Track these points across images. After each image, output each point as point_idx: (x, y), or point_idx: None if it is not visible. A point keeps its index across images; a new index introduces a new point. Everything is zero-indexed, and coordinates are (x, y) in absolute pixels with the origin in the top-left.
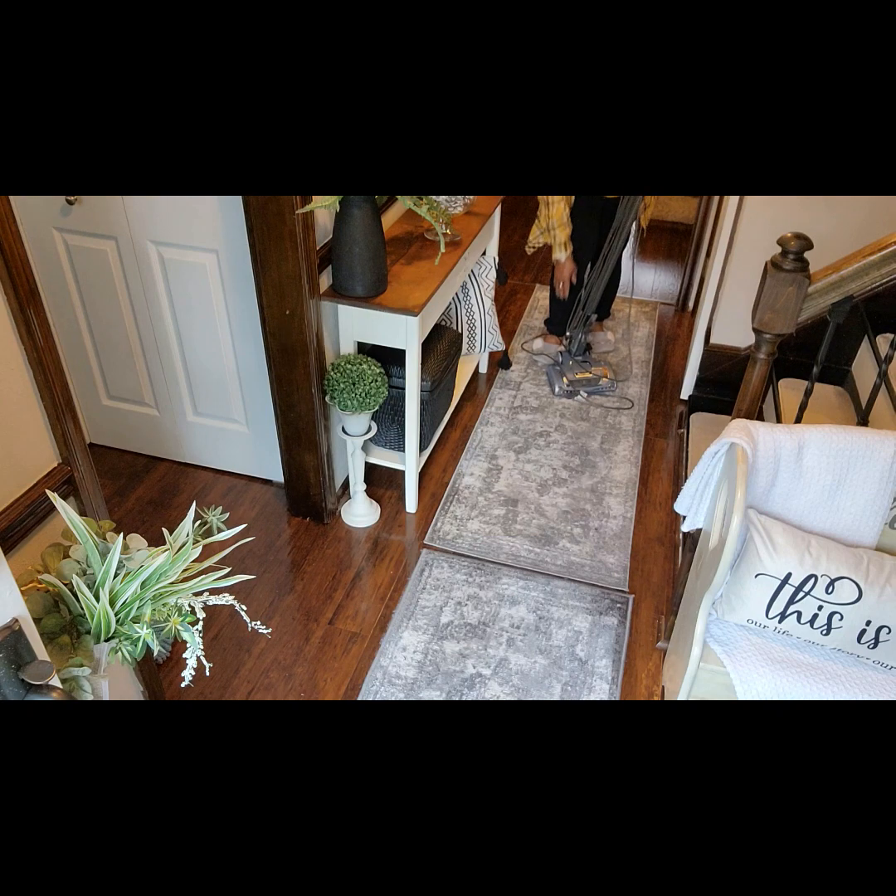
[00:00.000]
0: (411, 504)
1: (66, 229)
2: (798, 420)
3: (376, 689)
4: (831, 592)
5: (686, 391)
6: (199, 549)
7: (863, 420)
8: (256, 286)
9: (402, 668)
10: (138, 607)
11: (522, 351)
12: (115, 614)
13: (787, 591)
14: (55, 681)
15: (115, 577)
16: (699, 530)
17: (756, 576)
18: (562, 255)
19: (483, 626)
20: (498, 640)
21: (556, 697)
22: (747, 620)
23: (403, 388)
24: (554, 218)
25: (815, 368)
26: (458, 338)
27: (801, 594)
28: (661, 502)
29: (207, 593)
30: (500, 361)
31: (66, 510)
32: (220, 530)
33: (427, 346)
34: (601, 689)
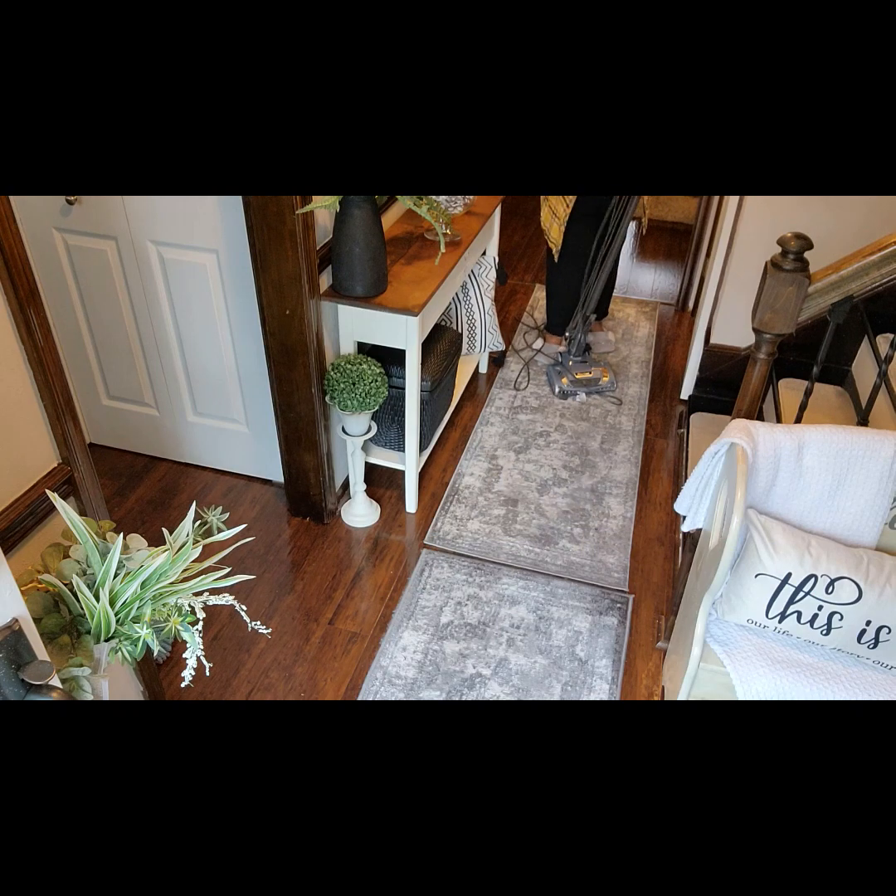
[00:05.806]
0: (411, 504)
1: (66, 229)
2: (798, 420)
3: (376, 689)
4: (831, 592)
5: (686, 391)
6: (199, 549)
7: (863, 420)
8: (256, 286)
9: (402, 668)
10: (138, 607)
11: (521, 346)
12: (115, 614)
13: (787, 591)
14: (55, 681)
15: (115, 577)
16: (699, 530)
17: (756, 576)
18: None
19: (483, 626)
20: (498, 640)
21: (556, 697)
22: (747, 620)
23: (403, 388)
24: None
25: (815, 368)
26: (458, 338)
27: (801, 594)
28: (661, 502)
29: (207, 593)
30: (496, 359)
31: (66, 510)
32: (220, 530)
33: (427, 346)
34: (601, 689)
